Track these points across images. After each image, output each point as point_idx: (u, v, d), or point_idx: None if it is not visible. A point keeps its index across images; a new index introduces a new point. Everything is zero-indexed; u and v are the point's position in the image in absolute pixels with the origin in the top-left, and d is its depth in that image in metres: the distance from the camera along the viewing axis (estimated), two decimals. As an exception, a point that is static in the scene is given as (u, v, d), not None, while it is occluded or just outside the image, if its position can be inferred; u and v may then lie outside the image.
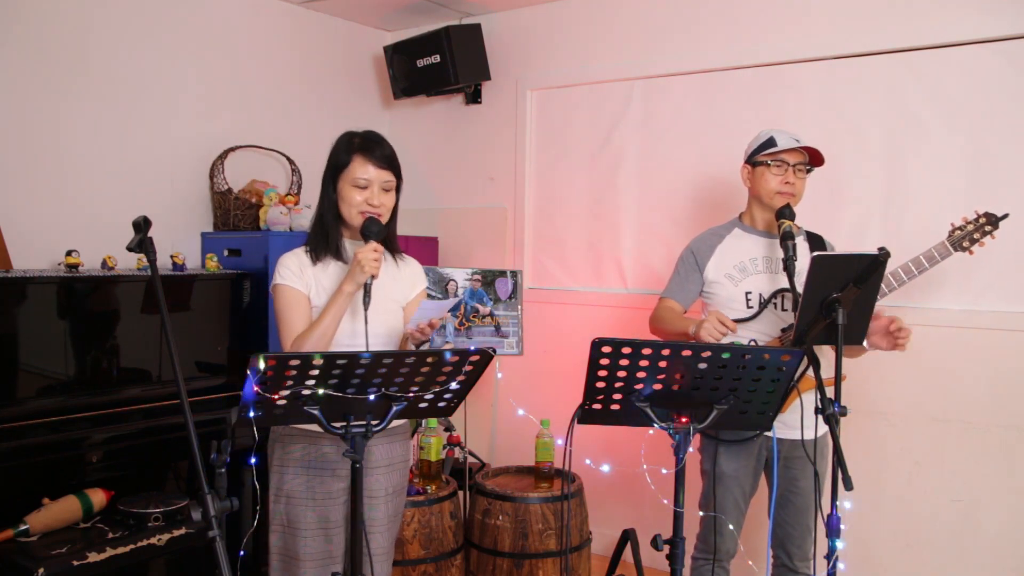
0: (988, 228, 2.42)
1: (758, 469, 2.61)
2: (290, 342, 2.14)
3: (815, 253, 2.08)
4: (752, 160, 2.60)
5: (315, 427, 2.13)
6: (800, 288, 2.10)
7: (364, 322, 2.08)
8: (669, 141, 3.90)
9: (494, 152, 4.43)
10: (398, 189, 2.27)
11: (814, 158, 2.57)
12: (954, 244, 2.42)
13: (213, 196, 3.81)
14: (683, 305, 2.65)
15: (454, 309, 3.12)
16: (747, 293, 2.57)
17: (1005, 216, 2.43)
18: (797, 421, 2.26)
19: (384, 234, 2.19)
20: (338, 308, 2.10)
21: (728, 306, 2.58)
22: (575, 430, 2.01)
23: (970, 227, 2.43)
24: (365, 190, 2.18)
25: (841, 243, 2.95)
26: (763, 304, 2.54)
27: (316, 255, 2.22)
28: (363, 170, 2.18)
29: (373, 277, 2.07)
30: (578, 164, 4.18)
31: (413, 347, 2.16)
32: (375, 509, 2.23)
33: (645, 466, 3.48)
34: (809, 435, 2.46)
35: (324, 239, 2.23)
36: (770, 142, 2.55)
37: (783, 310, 2.54)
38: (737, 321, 2.53)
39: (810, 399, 2.39)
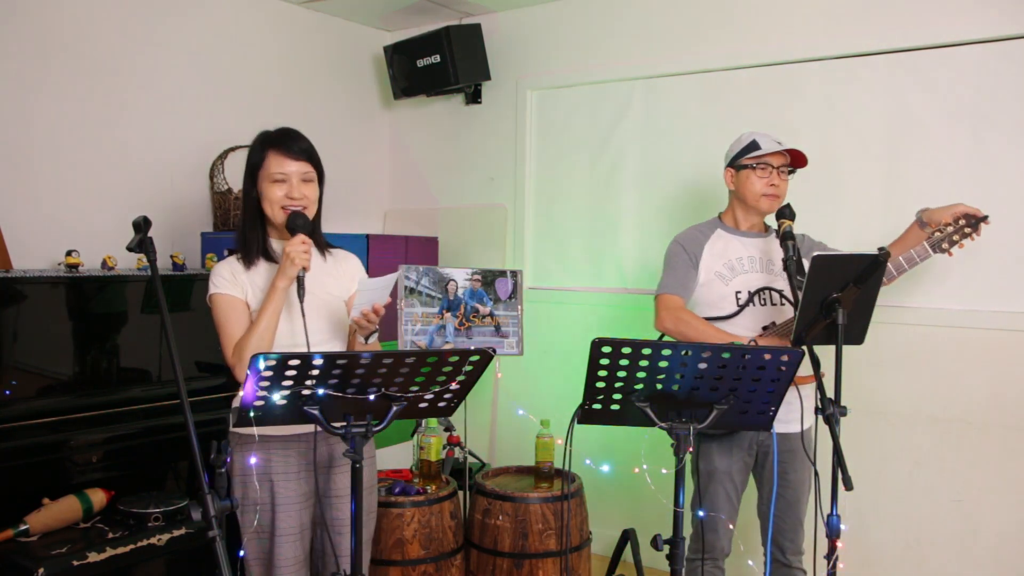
0: (968, 230, 2.41)
1: (749, 464, 2.61)
2: (231, 349, 2.11)
3: (815, 253, 2.08)
4: (736, 164, 2.62)
5: (271, 431, 2.09)
6: (801, 287, 2.10)
7: (301, 316, 2.05)
8: (669, 141, 3.90)
9: (494, 152, 4.43)
10: (321, 183, 2.24)
11: (796, 160, 2.60)
12: (933, 246, 2.42)
13: (213, 196, 3.81)
14: (686, 300, 2.65)
15: (454, 308, 3.11)
16: (737, 292, 2.58)
17: (985, 218, 2.42)
18: (785, 415, 2.25)
19: (310, 227, 2.16)
20: (274, 306, 2.08)
21: (719, 305, 2.58)
22: (575, 430, 2.01)
23: (950, 229, 2.42)
24: (284, 184, 2.16)
25: (841, 243, 2.95)
26: (743, 302, 2.55)
27: (247, 259, 2.20)
28: (279, 164, 2.15)
29: (305, 269, 2.06)
30: (578, 164, 4.18)
31: (363, 339, 2.14)
32: (340, 509, 2.21)
33: (645, 466, 3.49)
34: (798, 428, 2.46)
35: (251, 242, 2.21)
36: (753, 145, 2.59)
37: (771, 305, 2.56)
38: (718, 318, 2.55)
39: (806, 392, 2.40)
